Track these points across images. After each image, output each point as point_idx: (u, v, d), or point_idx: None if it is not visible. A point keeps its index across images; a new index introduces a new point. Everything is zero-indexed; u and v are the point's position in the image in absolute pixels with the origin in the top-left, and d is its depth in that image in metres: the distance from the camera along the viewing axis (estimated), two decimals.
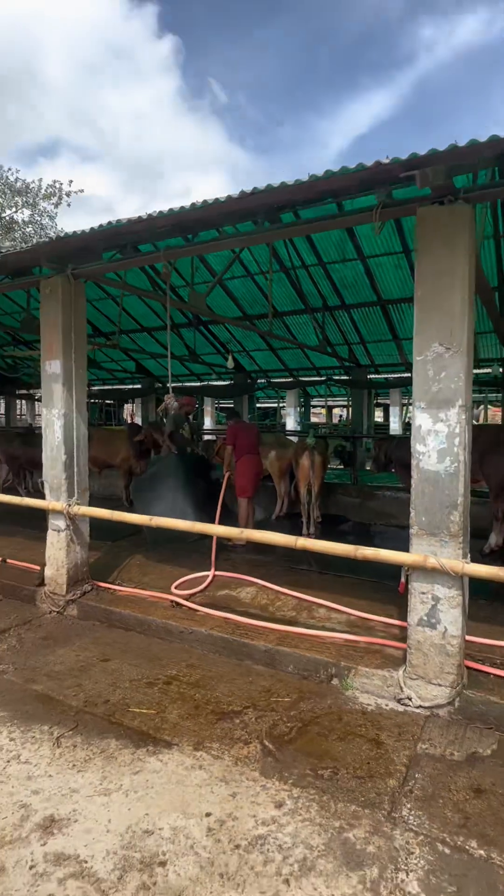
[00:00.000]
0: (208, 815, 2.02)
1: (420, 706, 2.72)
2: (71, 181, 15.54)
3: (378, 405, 19.93)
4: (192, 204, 2.93)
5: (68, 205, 14.70)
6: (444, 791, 2.16)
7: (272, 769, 2.29)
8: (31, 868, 1.76)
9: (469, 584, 2.83)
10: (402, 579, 2.85)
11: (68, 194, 14.83)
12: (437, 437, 2.64)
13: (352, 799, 2.12)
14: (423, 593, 2.77)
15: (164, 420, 6.62)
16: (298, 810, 2.06)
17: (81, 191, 15.07)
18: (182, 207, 2.93)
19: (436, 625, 2.71)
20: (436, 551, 2.69)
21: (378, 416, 17.36)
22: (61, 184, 14.75)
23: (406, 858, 1.84)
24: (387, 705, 2.87)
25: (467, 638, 2.99)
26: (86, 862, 1.78)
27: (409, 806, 2.09)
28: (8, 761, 2.31)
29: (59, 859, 1.80)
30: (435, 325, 2.63)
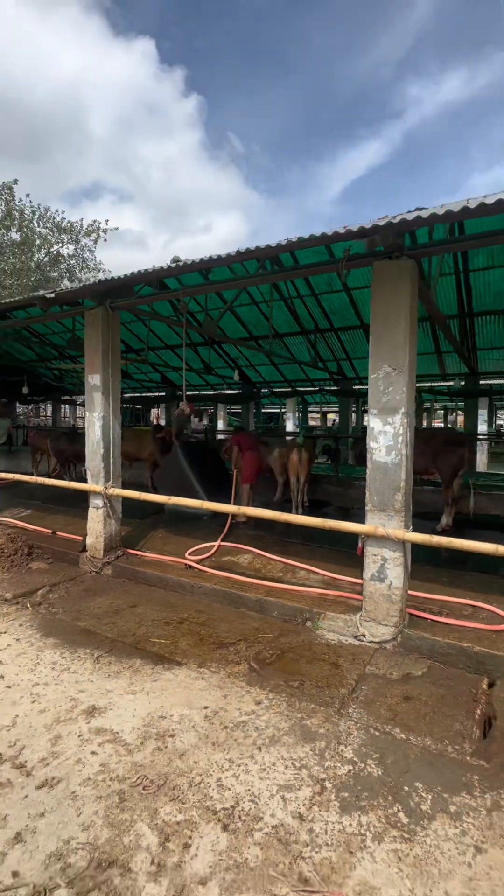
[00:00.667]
0: (206, 707, 2.38)
1: (371, 641, 3.01)
2: (107, 220, 15.84)
3: (365, 411, 19.88)
4: (210, 257, 3.29)
5: (105, 240, 14.91)
6: (381, 698, 2.47)
7: (255, 680, 2.61)
8: (78, 736, 2.17)
9: (412, 551, 3.21)
10: (360, 545, 3.15)
11: (105, 231, 15.06)
12: (385, 436, 2.97)
13: (312, 700, 2.44)
14: (375, 555, 3.07)
15: (178, 421, 6.84)
16: (272, 706, 2.39)
17: (117, 228, 15.37)
18: (202, 259, 3.24)
19: (384, 579, 3.01)
20: (384, 523, 2.99)
21: (365, 419, 17.27)
22: (100, 223, 15.05)
23: (346, 738, 2.20)
24: (346, 640, 3.12)
25: (410, 592, 3.30)
26: (117, 734, 2.17)
27: (353, 706, 2.41)
28: (61, 672, 2.66)
29: (98, 732, 2.19)
30: (384, 351, 2.97)
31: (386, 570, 3.01)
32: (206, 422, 30.77)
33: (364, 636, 3.07)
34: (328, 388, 13.54)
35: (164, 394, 16.01)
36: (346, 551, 4.43)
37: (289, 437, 15.20)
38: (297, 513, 5.70)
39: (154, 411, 22.20)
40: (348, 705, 2.41)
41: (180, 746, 2.05)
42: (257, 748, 2.08)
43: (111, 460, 4.22)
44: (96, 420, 4.18)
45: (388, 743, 2.11)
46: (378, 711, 2.38)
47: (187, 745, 2.06)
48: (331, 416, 33.77)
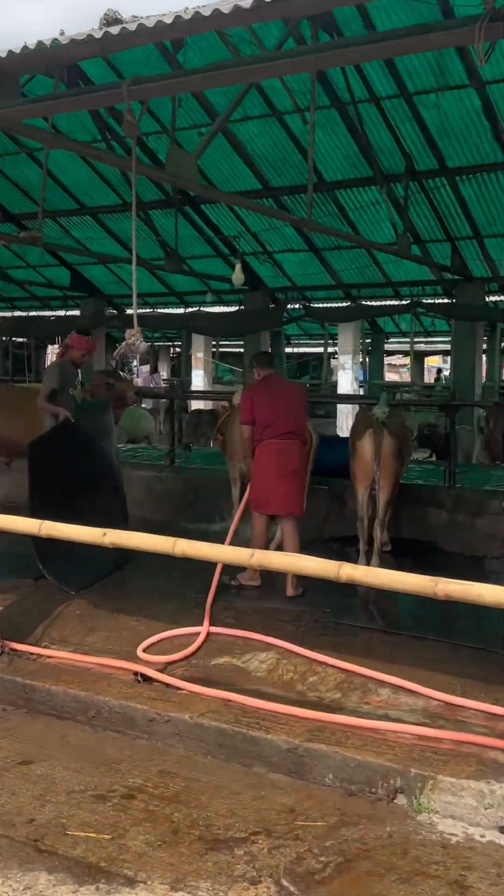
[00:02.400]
0: None
1: None
2: None
3: None
4: (183, 13, 3.26)
5: None
6: None
7: None
8: None
9: None
10: None
11: None
12: None
13: None
14: None
15: (124, 368, 7.04)
16: None
17: None
18: (164, 20, 3.30)
19: None
20: None
21: None
22: None
23: None
24: (482, 836, 3.23)
25: None
26: None
27: None
28: None
29: None
30: None
31: None
32: (165, 374, 32.25)
33: None
34: (432, 299, 13.95)
35: (78, 312, 16.46)
36: (475, 649, 4.67)
37: (348, 405, 15.83)
38: (368, 562, 6.04)
39: (53, 350, 22.74)
40: None
41: None
42: None
43: None
44: None
45: None
46: None
47: None
48: (433, 362, 34.28)
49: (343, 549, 6.92)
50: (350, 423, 13.39)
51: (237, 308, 15.71)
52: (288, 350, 25.27)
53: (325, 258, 13.47)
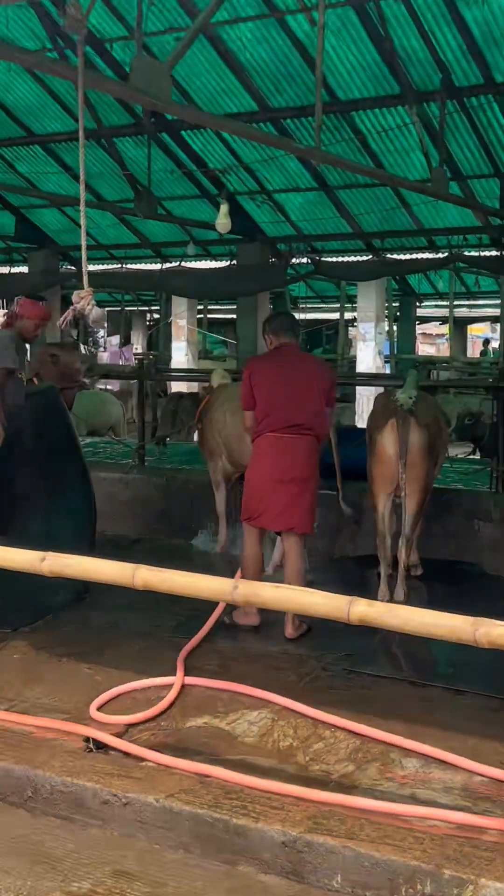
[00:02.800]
0: None
1: None
2: None
3: None
4: None
5: None
6: None
7: None
8: None
9: None
10: None
11: None
12: None
13: None
14: None
15: (88, 340, 7.03)
16: None
17: None
18: None
19: None
20: None
21: None
22: None
23: None
24: None
25: None
26: None
27: None
28: None
29: None
30: None
31: None
32: (139, 347, 32.11)
33: None
34: (473, 250, 13.96)
35: (24, 268, 16.54)
36: None
37: (370, 386, 15.68)
38: (391, 591, 6.16)
39: None
40: None
41: None
42: None
43: None
44: None
45: None
46: None
47: None
48: (479, 330, 34.20)
49: (361, 572, 6.99)
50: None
51: (228, 263, 15.63)
52: (298, 317, 25.15)
53: (340, 199, 13.34)
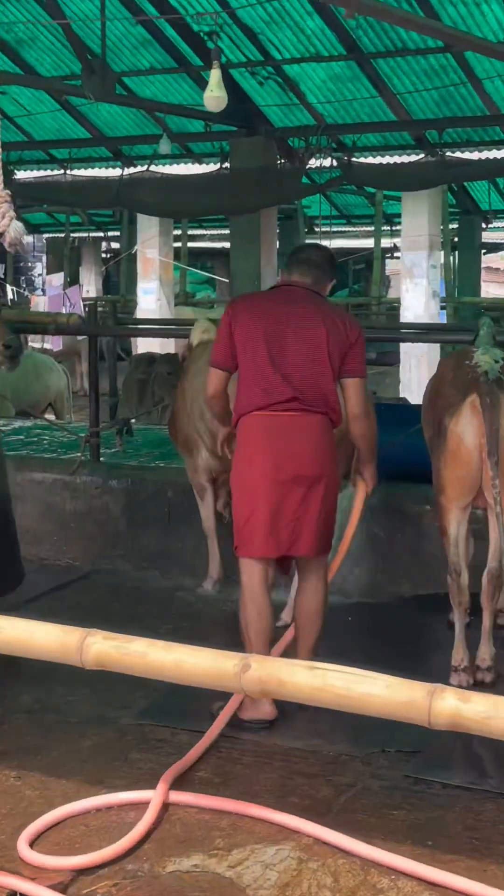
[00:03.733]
0: None
1: None
2: None
3: None
4: None
5: None
6: None
7: None
8: None
9: None
10: None
11: None
12: None
13: None
14: None
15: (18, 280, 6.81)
16: None
17: None
18: None
19: None
20: None
21: None
22: None
23: None
24: None
25: None
26: None
27: None
28: None
29: None
30: None
31: None
32: (91, 290, 31.73)
33: None
34: None
35: None
36: None
37: (421, 343, 15.41)
38: (467, 652, 6.05)
39: None
40: None
41: None
42: None
43: None
44: None
45: None
46: None
47: None
48: None
49: (422, 621, 6.95)
50: (426, 378, 13.05)
51: (218, 167, 15.65)
52: (325, 243, 24.92)
53: (380, 72, 13.30)
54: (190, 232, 25.21)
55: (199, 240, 28.71)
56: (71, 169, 17.37)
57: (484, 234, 25.88)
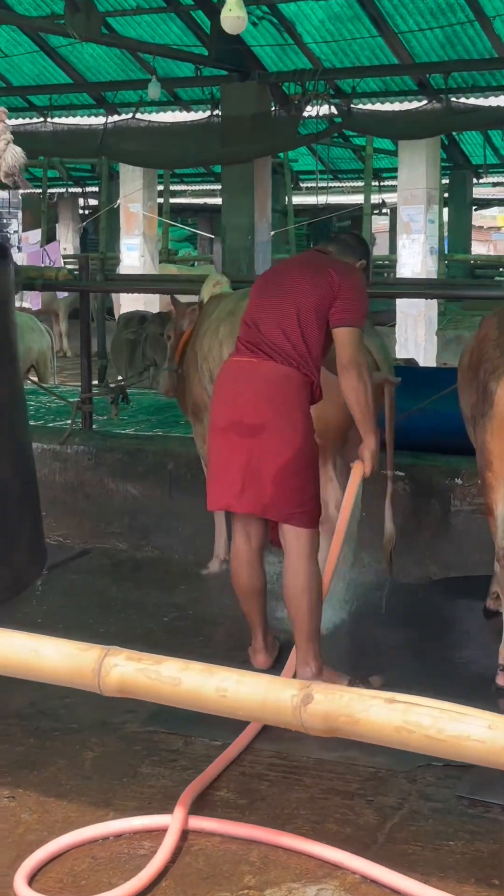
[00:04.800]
0: None
1: None
2: None
3: None
4: None
5: None
6: None
7: None
8: None
9: None
10: None
11: None
12: None
13: None
14: None
15: None
16: None
17: None
18: None
19: None
20: None
21: None
22: None
23: None
24: None
25: None
26: None
27: None
28: None
29: None
30: None
31: None
32: (69, 247, 31.38)
33: None
34: None
35: None
36: None
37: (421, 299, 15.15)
38: None
39: None
40: None
41: None
42: None
43: None
44: None
45: None
46: None
47: None
48: None
49: (455, 604, 6.77)
50: (423, 339, 12.63)
51: (208, 114, 15.38)
52: (311, 200, 24.63)
53: (382, 10, 13.11)
54: (176, 181, 24.94)
55: (181, 196, 28.37)
56: (52, 117, 17.05)
57: (474, 189, 25.64)
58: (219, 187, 26.06)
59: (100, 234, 24.27)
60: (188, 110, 16.14)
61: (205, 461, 7.10)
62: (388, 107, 15.05)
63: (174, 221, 26.71)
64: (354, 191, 24.15)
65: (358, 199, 22.53)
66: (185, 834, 4.19)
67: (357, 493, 5.74)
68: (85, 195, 31.73)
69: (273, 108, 14.40)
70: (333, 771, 4.76)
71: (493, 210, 33.42)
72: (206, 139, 14.86)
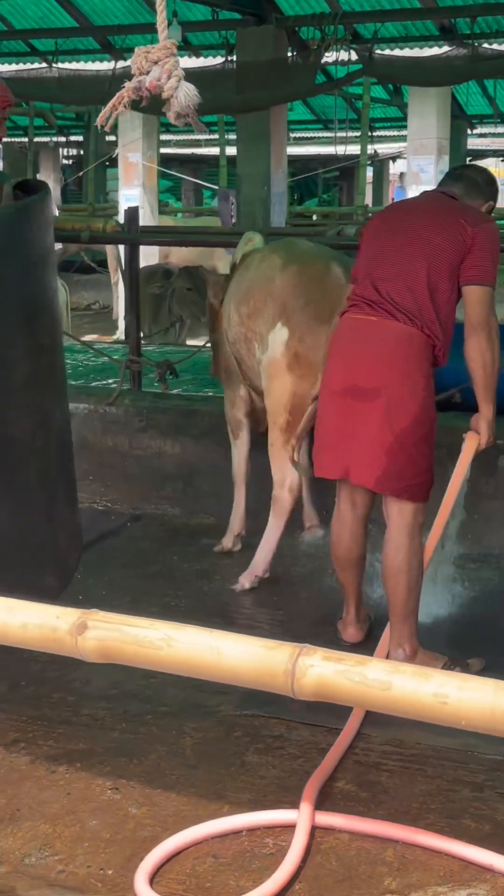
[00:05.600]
0: None
1: None
2: None
3: None
4: None
5: None
6: None
7: None
8: None
9: None
10: None
11: None
12: None
13: None
14: None
15: None
16: None
17: None
18: None
19: None
20: None
21: None
22: None
23: None
24: None
25: None
26: None
27: None
28: None
29: None
30: None
31: None
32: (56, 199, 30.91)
33: None
34: None
35: None
36: None
37: None
38: None
39: None
40: None
41: None
42: None
43: None
44: None
45: None
46: None
47: None
48: None
49: None
50: None
51: (223, 60, 15.26)
52: (300, 151, 24.34)
53: None
54: (164, 136, 24.61)
55: (166, 145, 27.99)
56: (56, 62, 16.84)
57: (469, 140, 25.60)
58: (207, 137, 25.76)
59: (87, 185, 23.93)
60: (199, 56, 16.01)
61: (233, 426, 6.95)
62: (407, 52, 14.93)
63: (170, 169, 26.54)
64: (343, 141, 23.84)
65: (352, 149, 22.22)
66: (311, 831, 3.98)
67: (467, 466, 5.48)
68: (69, 144, 31.23)
69: (290, 54, 14.27)
70: (455, 760, 4.54)
71: (489, 161, 33.29)
72: (220, 86, 14.52)
